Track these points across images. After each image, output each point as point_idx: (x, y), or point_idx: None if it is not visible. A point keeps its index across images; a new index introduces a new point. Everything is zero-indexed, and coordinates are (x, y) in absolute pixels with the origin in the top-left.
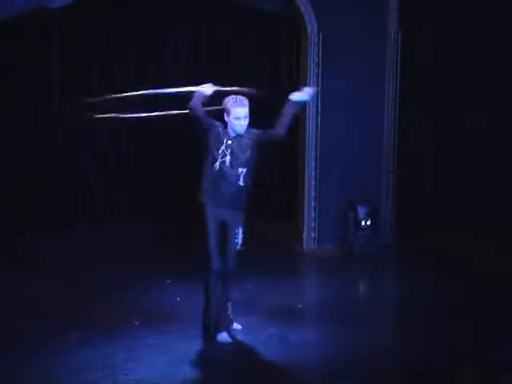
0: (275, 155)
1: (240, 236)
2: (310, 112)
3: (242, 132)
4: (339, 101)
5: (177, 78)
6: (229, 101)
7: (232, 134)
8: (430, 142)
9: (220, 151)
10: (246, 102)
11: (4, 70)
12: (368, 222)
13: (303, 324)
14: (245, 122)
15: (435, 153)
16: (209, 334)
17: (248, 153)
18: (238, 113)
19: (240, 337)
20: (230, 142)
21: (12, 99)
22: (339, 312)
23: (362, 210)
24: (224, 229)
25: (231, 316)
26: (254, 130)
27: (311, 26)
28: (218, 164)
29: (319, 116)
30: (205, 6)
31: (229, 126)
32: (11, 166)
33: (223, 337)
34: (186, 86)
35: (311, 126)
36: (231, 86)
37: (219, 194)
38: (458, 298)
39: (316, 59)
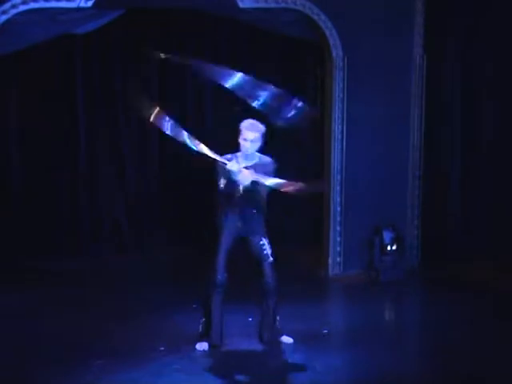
0: (300, 180)
1: (268, 246)
2: (335, 137)
3: (248, 153)
4: (364, 126)
5: (199, 102)
6: (244, 123)
7: (242, 162)
8: (455, 168)
9: (232, 185)
10: (259, 128)
11: (29, 96)
12: (393, 247)
13: (329, 349)
14: (251, 146)
15: (460, 179)
16: (216, 342)
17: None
18: (247, 135)
19: (265, 362)
20: (237, 173)
21: (36, 126)
22: (365, 337)
23: (387, 235)
24: (248, 245)
25: (279, 328)
26: (262, 159)
27: (336, 50)
28: (230, 189)
29: (344, 141)
30: (227, 32)
31: (240, 151)
32: (37, 192)
33: (285, 339)
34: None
35: (336, 150)
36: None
37: (238, 221)
38: (483, 324)
39: (341, 85)
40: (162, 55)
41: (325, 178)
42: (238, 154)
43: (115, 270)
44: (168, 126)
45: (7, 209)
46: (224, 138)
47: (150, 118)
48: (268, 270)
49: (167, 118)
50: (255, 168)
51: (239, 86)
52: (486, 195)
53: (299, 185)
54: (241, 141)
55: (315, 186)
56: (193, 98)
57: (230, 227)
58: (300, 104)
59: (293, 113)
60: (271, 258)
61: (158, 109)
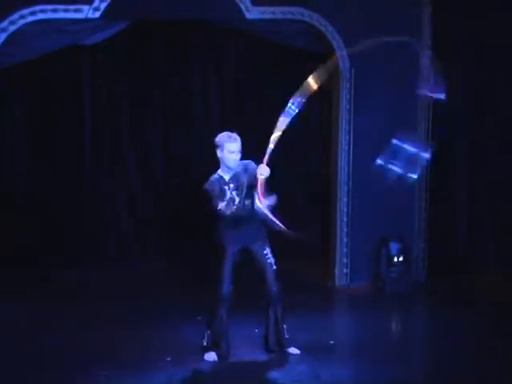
0: (306, 191)
1: (271, 255)
2: (342, 148)
3: (235, 167)
4: (371, 137)
5: (206, 115)
6: (222, 137)
7: (228, 177)
8: (462, 180)
9: (228, 198)
10: (238, 137)
11: (36, 106)
12: (400, 259)
13: (335, 360)
14: (237, 157)
15: (468, 191)
16: (223, 354)
17: (246, 184)
18: (233, 147)
19: (271, 373)
20: (231, 185)
21: (43, 136)
22: (371, 349)
23: (394, 247)
24: (251, 255)
25: (287, 337)
26: (247, 165)
27: (343, 61)
28: (225, 205)
29: (351, 152)
30: (234, 43)
31: (222, 165)
32: (45, 204)
33: (292, 350)
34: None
35: (343, 161)
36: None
37: (239, 232)
38: (489, 337)
39: (348, 96)
40: None
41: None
42: (219, 171)
43: (120, 280)
44: None
45: (11, 216)
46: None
47: None
48: (272, 279)
49: None
50: (240, 175)
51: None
52: (494, 207)
53: (283, 229)
54: (225, 155)
55: (298, 236)
56: (200, 105)
57: (233, 238)
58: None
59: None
60: (274, 267)
61: None
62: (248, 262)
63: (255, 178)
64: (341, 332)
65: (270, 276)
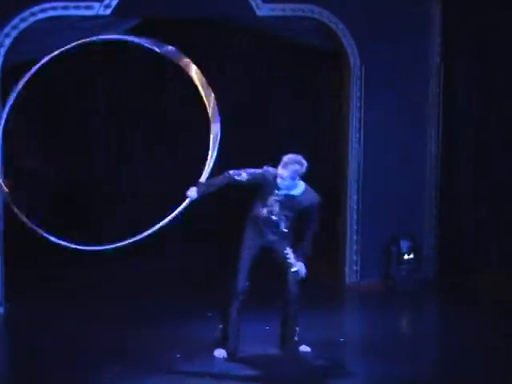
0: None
1: (292, 256)
2: (353, 145)
3: (283, 187)
4: (381, 134)
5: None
6: (284, 159)
7: (282, 191)
8: (473, 177)
9: (270, 199)
10: (292, 167)
11: (48, 105)
12: (410, 256)
13: (345, 358)
14: (283, 182)
15: (478, 188)
16: (232, 350)
17: (293, 213)
18: (280, 172)
19: (283, 370)
20: (280, 196)
21: (57, 134)
22: (381, 346)
23: (404, 244)
24: (272, 256)
25: (297, 340)
26: (308, 198)
27: (354, 59)
28: (266, 210)
29: (361, 149)
30: (244, 40)
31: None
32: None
33: (303, 348)
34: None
35: (353, 159)
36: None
37: (263, 235)
38: (499, 336)
39: (358, 93)
40: None
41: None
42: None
43: (131, 277)
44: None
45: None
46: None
47: None
48: (292, 278)
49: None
50: (293, 198)
51: None
52: (498, 206)
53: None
54: (278, 173)
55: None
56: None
57: (257, 236)
58: None
59: None
60: (296, 268)
61: None
62: (265, 260)
63: (306, 214)
64: (351, 330)
65: (290, 276)
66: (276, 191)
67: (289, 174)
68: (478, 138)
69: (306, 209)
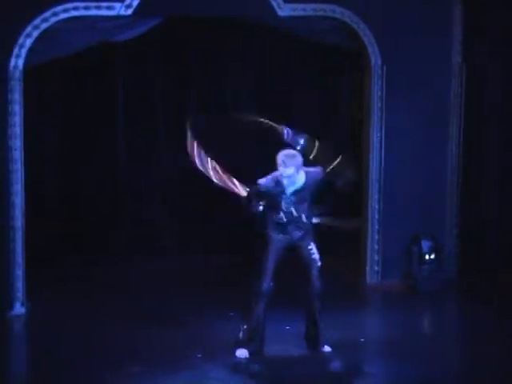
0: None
1: (316, 251)
2: (374, 145)
3: (291, 184)
4: (403, 134)
5: (237, 106)
6: (280, 157)
7: (289, 190)
8: (494, 177)
9: (283, 203)
10: (292, 161)
11: (68, 104)
12: (432, 256)
13: (366, 358)
14: (290, 180)
15: (500, 188)
16: (256, 350)
17: (307, 202)
18: (284, 172)
19: (304, 370)
20: (290, 197)
21: (76, 133)
22: (402, 347)
23: (425, 244)
24: (296, 252)
25: (324, 334)
26: (312, 174)
27: (375, 58)
28: (281, 215)
29: (383, 149)
30: (265, 40)
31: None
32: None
33: (327, 348)
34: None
35: (374, 159)
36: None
37: (286, 236)
38: None
39: (380, 93)
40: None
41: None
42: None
43: (153, 276)
44: (200, 161)
45: (41, 215)
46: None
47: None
48: (316, 274)
49: (202, 154)
50: (303, 188)
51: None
52: None
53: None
54: (282, 173)
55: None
56: (231, 100)
57: (281, 239)
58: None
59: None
60: (319, 263)
61: (196, 143)
62: (287, 261)
63: (313, 186)
64: (372, 330)
65: (315, 272)
66: (283, 195)
67: (295, 170)
68: (499, 138)
69: (316, 186)
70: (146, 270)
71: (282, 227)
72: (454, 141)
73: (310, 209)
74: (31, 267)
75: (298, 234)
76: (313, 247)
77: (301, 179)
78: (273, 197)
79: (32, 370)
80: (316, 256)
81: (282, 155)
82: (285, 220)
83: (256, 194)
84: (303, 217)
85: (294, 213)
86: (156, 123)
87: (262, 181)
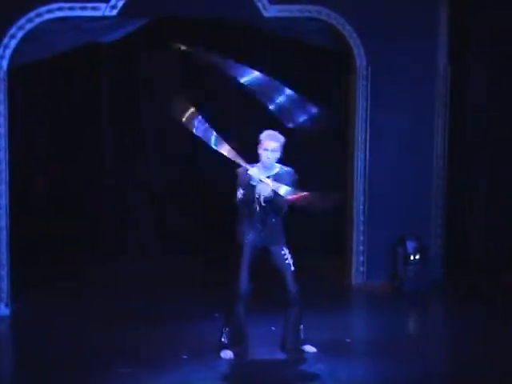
0: (323, 190)
1: (289, 256)
2: (359, 146)
3: (268, 165)
4: (388, 135)
5: (227, 110)
6: (264, 133)
7: (262, 173)
8: (480, 177)
9: (251, 195)
10: (279, 138)
11: (54, 105)
12: (417, 257)
13: (352, 359)
14: (272, 156)
15: (485, 188)
16: (240, 351)
17: (277, 197)
18: (267, 145)
19: (288, 371)
20: (257, 184)
21: (63, 133)
22: (388, 347)
23: (411, 245)
24: (269, 258)
25: (302, 338)
26: (285, 173)
27: (360, 60)
28: (256, 205)
29: (367, 150)
30: (251, 41)
31: (259, 162)
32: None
33: (309, 348)
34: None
35: (359, 159)
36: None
37: (259, 233)
38: (508, 336)
39: (365, 94)
40: (183, 47)
41: (338, 191)
42: (258, 164)
43: (140, 276)
44: (199, 127)
45: (29, 216)
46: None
47: (182, 118)
48: (290, 280)
49: (199, 118)
50: (276, 178)
51: (257, 84)
52: (511, 207)
53: (309, 196)
54: (261, 151)
55: (328, 199)
56: (222, 108)
57: (251, 237)
58: (314, 110)
59: (305, 118)
60: (293, 268)
61: (192, 109)
62: (267, 262)
63: (286, 185)
64: (357, 330)
65: (289, 277)
66: (254, 183)
67: (278, 146)
68: (485, 139)
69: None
70: (133, 270)
71: (251, 223)
72: (439, 142)
73: (277, 210)
74: (18, 267)
75: (264, 232)
76: (286, 252)
77: (274, 169)
78: (247, 188)
79: (18, 371)
80: (290, 261)
81: (265, 133)
82: (258, 210)
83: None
84: (271, 215)
85: (262, 209)
86: (143, 123)
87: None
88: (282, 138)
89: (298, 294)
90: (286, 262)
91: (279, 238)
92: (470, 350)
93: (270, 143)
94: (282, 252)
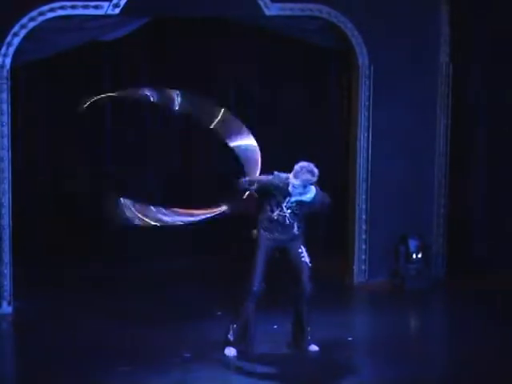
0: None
1: (306, 254)
2: (361, 145)
3: (295, 194)
4: (390, 134)
5: (226, 105)
6: (296, 168)
7: (293, 197)
8: (482, 176)
9: (280, 204)
10: (305, 176)
11: (56, 103)
12: (419, 256)
13: (354, 357)
14: (294, 190)
15: (487, 187)
16: (245, 349)
17: (301, 215)
18: (291, 181)
19: (291, 369)
20: (292, 203)
21: (64, 132)
22: (389, 346)
23: (412, 243)
24: (286, 255)
25: (309, 339)
26: (321, 197)
27: (362, 58)
28: (276, 214)
29: (370, 149)
30: (253, 40)
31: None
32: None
33: (312, 347)
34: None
35: (362, 158)
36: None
37: (275, 236)
38: (509, 336)
39: (367, 93)
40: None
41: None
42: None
43: (142, 276)
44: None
45: (32, 214)
46: None
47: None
48: (306, 278)
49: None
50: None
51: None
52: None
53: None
54: (290, 183)
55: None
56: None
57: (270, 238)
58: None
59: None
60: (309, 265)
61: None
62: (276, 261)
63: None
64: (359, 329)
65: (305, 275)
66: (288, 198)
67: (300, 183)
68: (487, 137)
69: (315, 209)
70: (134, 270)
71: (272, 226)
72: (441, 140)
73: (301, 221)
74: (20, 265)
75: (284, 238)
76: (303, 250)
77: (310, 194)
78: (277, 193)
79: (20, 368)
80: (306, 259)
81: (298, 165)
82: (276, 218)
83: (264, 182)
84: (295, 226)
85: (288, 219)
86: (145, 123)
87: (279, 173)
88: (308, 175)
89: (311, 292)
90: (303, 259)
91: (298, 238)
92: (471, 349)
93: (294, 181)
94: (299, 250)
